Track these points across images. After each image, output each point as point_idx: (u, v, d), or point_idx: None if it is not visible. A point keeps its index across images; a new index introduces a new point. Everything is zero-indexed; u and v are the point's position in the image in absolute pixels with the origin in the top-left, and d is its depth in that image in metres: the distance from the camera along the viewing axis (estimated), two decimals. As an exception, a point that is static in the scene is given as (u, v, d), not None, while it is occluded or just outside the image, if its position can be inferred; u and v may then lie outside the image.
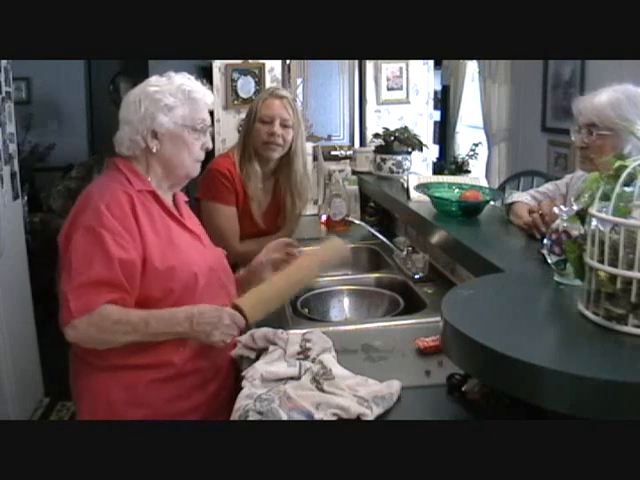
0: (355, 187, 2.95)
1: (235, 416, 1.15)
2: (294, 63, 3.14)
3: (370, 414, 1.10)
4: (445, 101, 5.46)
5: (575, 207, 1.19)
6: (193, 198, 2.22)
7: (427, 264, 2.00)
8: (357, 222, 2.42)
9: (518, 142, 4.40)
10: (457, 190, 2.15)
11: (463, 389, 1.18)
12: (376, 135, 3.00)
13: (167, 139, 1.48)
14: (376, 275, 2.10)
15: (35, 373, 3.07)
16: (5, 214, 2.74)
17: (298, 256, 1.80)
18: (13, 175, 2.90)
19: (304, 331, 1.45)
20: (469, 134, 5.31)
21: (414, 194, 2.28)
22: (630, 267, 0.91)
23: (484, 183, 2.41)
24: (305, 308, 1.83)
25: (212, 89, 1.60)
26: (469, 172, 4.83)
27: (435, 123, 4.59)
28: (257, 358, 1.37)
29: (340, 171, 3.08)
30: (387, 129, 2.96)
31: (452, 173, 4.57)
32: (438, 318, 1.08)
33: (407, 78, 3.46)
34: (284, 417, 1.09)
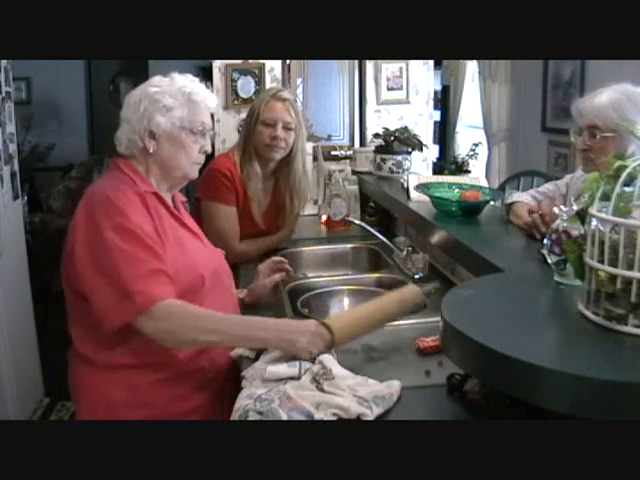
0: (355, 187, 2.95)
1: (235, 416, 1.15)
2: (294, 63, 3.14)
3: (370, 414, 1.10)
4: (445, 101, 5.46)
5: (575, 207, 1.19)
6: (193, 198, 2.22)
7: (427, 264, 2.00)
8: (357, 222, 2.42)
9: (518, 142, 4.40)
10: (457, 190, 2.15)
11: (463, 389, 1.18)
12: (376, 135, 3.00)
13: (164, 140, 1.47)
14: (376, 275, 2.10)
15: (35, 373, 3.07)
16: (5, 214, 2.74)
17: (291, 270, 1.84)
18: (13, 175, 2.90)
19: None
20: (469, 134, 5.31)
21: (414, 194, 2.28)
22: (630, 267, 0.91)
23: (484, 183, 2.41)
24: (305, 308, 1.83)
25: (212, 89, 1.60)
26: (469, 172, 4.83)
27: (435, 123, 4.59)
28: (257, 358, 1.36)
29: (340, 171, 3.08)
30: (387, 129, 2.96)
31: (452, 173, 4.58)
32: (438, 318, 1.08)
33: (407, 78, 3.46)
34: (284, 417, 1.09)
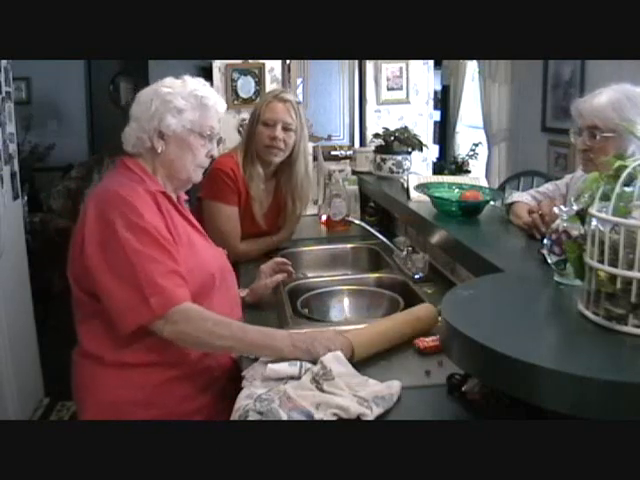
0: (355, 187, 2.95)
1: (235, 416, 1.15)
2: (294, 63, 3.14)
3: (370, 414, 1.10)
4: (445, 101, 5.46)
5: (575, 207, 1.19)
6: (194, 197, 2.23)
7: (427, 264, 2.00)
8: (357, 222, 2.42)
9: (518, 142, 4.40)
10: (457, 190, 2.15)
11: (463, 389, 1.18)
12: (376, 135, 3.00)
13: (173, 141, 1.47)
14: (376, 275, 2.10)
15: (35, 373, 3.07)
16: (5, 214, 2.73)
17: (293, 272, 1.84)
18: (13, 175, 2.90)
19: (303, 331, 1.46)
20: (469, 134, 5.31)
21: (414, 194, 2.28)
22: (630, 267, 0.91)
23: (484, 183, 2.41)
24: (305, 308, 1.83)
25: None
26: (469, 172, 4.84)
27: (435, 123, 4.59)
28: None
29: (340, 171, 3.08)
30: (387, 129, 2.96)
31: (452, 173, 4.58)
32: (438, 318, 1.08)
33: (407, 78, 3.47)
34: (284, 417, 1.09)
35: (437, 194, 2.10)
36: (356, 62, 3.39)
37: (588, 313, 1.00)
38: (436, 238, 1.91)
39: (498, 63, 4.35)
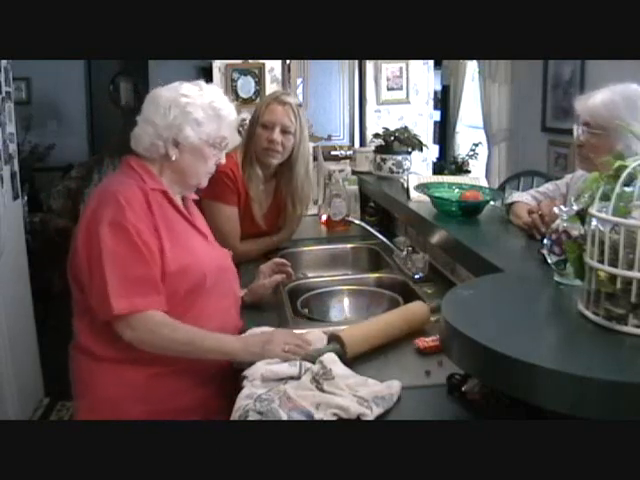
0: (355, 187, 2.95)
1: (235, 416, 1.15)
2: (294, 63, 3.14)
3: (370, 414, 1.10)
4: (445, 101, 5.46)
5: (575, 207, 1.19)
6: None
7: (427, 264, 2.00)
8: (357, 222, 2.42)
9: (518, 142, 4.40)
10: (457, 190, 2.15)
11: (463, 389, 1.18)
12: (376, 135, 3.00)
13: (187, 150, 1.50)
14: (376, 275, 2.10)
15: (35, 373, 3.07)
16: (5, 214, 2.73)
17: (292, 273, 1.86)
18: (13, 175, 2.90)
19: (303, 331, 1.46)
20: (469, 134, 5.31)
21: (414, 194, 2.28)
22: (630, 267, 0.91)
23: (484, 183, 2.41)
24: (305, 308, 1.83)
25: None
26: (469, 172, 4.83)
27: (435, 123, 4.59)
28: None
29: (340, 171, 3.08)
30: (387, 129, 2.96)
31: (452, 173, 4.58)
32: (438, 318, 1.08)
33: (407, 78, 3.47)
34: (284, 417, 1.09)
35: (437, 194, 2.10)
36: (356, 62, 3.38)
37: (588, 313, 1.00)
38: (436, 238, 1.91)
39: (498, 63, 4.35)
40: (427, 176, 2.83)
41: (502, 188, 3.55)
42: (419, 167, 3.34)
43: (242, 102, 3.04)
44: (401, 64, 3.45)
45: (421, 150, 2.94)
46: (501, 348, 0.90)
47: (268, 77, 3.07)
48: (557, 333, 1.06)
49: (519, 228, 1.81)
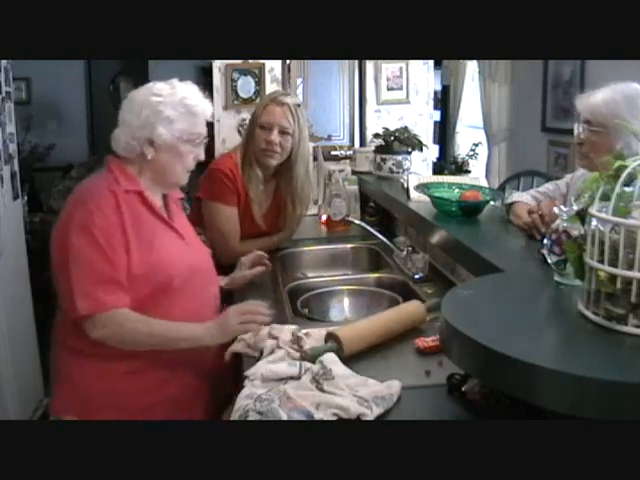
0: (355, 187, 2.95)
1: (235, 416, 1.15)
2: (294, 63, 3.14)
3: (370, 414, 1.10)
4: (445, 101, 5.46)
5: (575, 207, 1.19)
6: (193, 197, 2.23)
7: (427, 264, 2.00)
8: (357, 222, 2.42)
9: (518, 142, 4.40)
10: (457, 190, 2.15)
11: (463, 389, 1.18)
12: (376, 135, 3.00)
13: (163, 149, 1.51)
14: (376, 275, 2.10)
15: (35, 373, 3.07)
16: (5, 214, 2.73)
17: (269, 265, 1.89)
18: (13, 175, 2.90)
19: (304, 331, 1.46)
20: (469, 134, 5.31)
21: (414, 194, 2.28)
22: (630, 267, 0.91)
23: (484, 183, 2.41)
24: (305, 308, 1.83)
25: (212, 89, 1.61)
26: (469, 172, 4.83)
27: (435, 123, 4.58)
28: (259, 358, 1.37)
29: (340, 171, 3.08)
30: (387, 129, 2.96)
31: (452, 173, 4.58)
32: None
33: (407, 78, 3.46)
34: (284, 417, 1.09)
35: (437, 194, 2.10)
36: (356, 62, 3.38)
37: (588, 313, 1.00)
38: (436, 238, 1.91)
39: (498, 63, 4.35)
40: (427, 176, 2.83)
41: (502, 188, 3.55)
42: (419, 167, 3.34)
43: (242, 102, 3.04)
44: (401, 64, 3.44)
45: (421, 150, 2.94)
46: (501, 348, 0.90)
47: (268, 77, 3.06)
48: (557, 333, 1.06)
49: (519, 228, 1.81)
